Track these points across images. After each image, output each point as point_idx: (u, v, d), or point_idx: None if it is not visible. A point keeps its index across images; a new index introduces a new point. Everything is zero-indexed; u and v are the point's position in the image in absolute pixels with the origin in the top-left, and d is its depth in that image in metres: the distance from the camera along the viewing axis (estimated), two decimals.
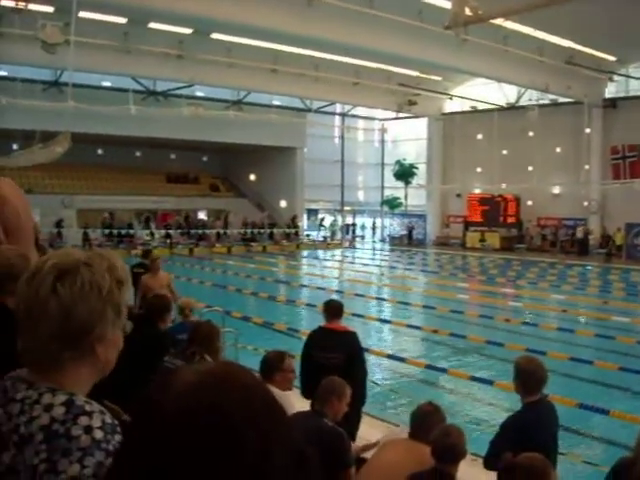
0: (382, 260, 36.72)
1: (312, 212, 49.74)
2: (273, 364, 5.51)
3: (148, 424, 0.93)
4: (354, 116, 49.20)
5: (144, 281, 11.53)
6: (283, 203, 44.86)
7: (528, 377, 5.00)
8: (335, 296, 22.32)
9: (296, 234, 43.43)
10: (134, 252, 30.08)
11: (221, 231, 40.49)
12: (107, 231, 36.84)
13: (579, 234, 36.63)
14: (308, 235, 45.58)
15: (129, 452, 0.96)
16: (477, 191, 41.85)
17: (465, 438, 4.34)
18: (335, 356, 6.74)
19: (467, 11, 15.11)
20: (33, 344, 1.57)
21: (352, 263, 34.97)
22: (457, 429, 4.39)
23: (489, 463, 4.99)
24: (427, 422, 4.62)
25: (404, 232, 45.73)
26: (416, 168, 46.48)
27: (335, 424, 4.86)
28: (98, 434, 1.47)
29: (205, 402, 0.91)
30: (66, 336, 1.55)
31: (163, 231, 39.12)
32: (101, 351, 1.60)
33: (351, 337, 7.29)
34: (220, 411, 0.90)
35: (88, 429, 1.47)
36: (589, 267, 32.07)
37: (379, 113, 48.40)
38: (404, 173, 46.47)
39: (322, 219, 48.12)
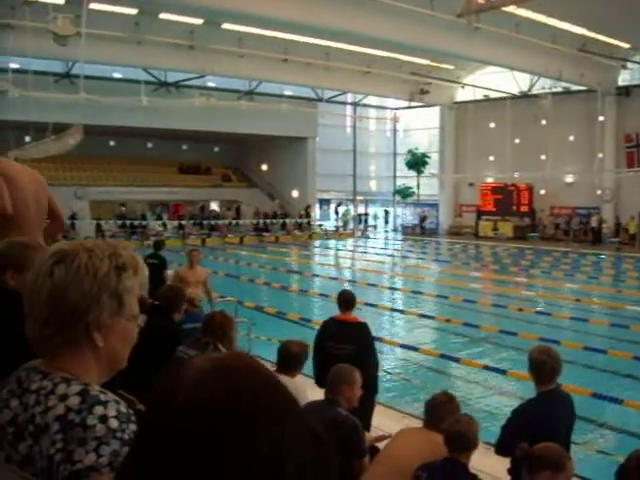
0: (394, 250, 36.69)
1: (324, 202, 49.69)
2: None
3: (164, 413, 0.94)
4: (366, 105, 49.08)
5: (179, 273, 11.22)
6: (295, 193, 44.83)
7: (540, 368, 5.00)
8: (347, 286, 22.37)
9: (308, 224, 43.41)
10: (147, 243, 30.15)
11: (233, 222, 40.53)
12: (120, 222, 36.98)
13: (593, 223, 36.43)
14: (320, 225, 45.55)
15: (145, 441, 0.96)
16: (490, 180, 41.68)
17: (478, 427, 4.34)
18: (346, 347, 6.79)
19: None
20: (32, 330, 1.58)
21: (364, 253, 34.92)
22: (469, 418, 4.39)
23: (500, 449, 5.00)
24: (441, 412, 4.63)
25: (416, 222, 45.65)
26: (428, 157, 46.37)
27: (350, 412, 4.88)
28: (113, 423, 1.48)
29: (220, 390, 0.91)
30: (58, 319, 1.55)
31: (176, 222, 39.23)
32: (99, 339, 1.58)
33: (362, 328, 7.35)
34: (235, 399, 0.90)
35: (103, 418, 1.48)
36: (602, 256, 31.90)
37: (391, 102, 48.24)
38: (416, 162, 46.36)
39: (338, 204, 47.88)
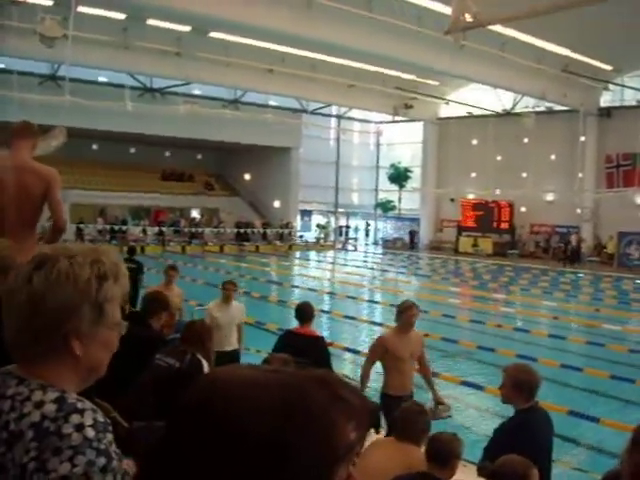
0: (375, 263, 36.72)
1: (306, 213, 49.72)
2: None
3: (189, 426, 0.90)
4: (350, 118, 49.23)
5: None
6: (277, 203, 44.83)
7: (521, 385, 5.00)
8: (327, 297, 22.35)
9: (289, 234, 43.38)
10: (125, 248, 30.01)
11: (214, 230, 40.46)
12: (100, 227, 36.78)
13: (573, 242, 36.69)
14: (301, 236, 45.55)
15: (167, 449, 0.92)
16: (471, 196, 41.91)
17: (462, 446, 4.32)
18: (301, 360, 6.76)
19: (467, 17, 15.11)
20: (9, 336, 1.55)
21: (345, 265, 34.95)
22: (455, 435, 4.37)
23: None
24: (412, 422, 4.60)
25: (398, 236, 45.71)
26: (411, 172, 46.57)
27: None
28: (90, 432, 1.45)
29: (249, 409, 0.87)
30: (36, 327, 1.51)
31: (156, 228, 39.08)
32: (77, 348, 1.55)
33: (318, 342, 7.39)
34: (279, 429, 0.86)
35: (79, 427, 1.44)
36: (581, 274, 32.13)
37: (375, 116, 48.42)
38: (398, 176, 46.54)
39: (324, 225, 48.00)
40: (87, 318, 1.55)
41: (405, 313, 7.39)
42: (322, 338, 7.56)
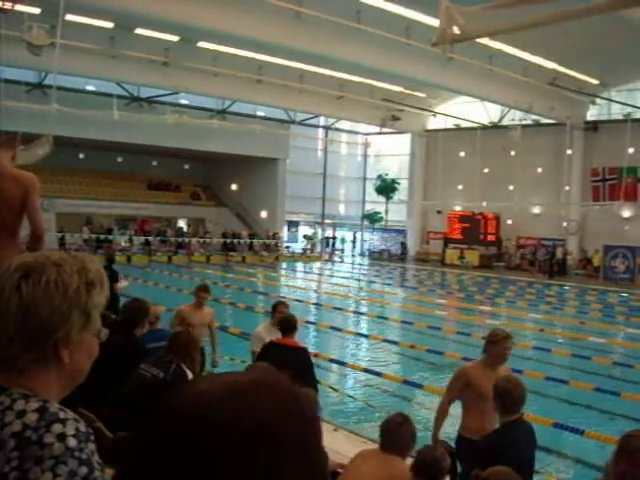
0: (361, 274, 36.75)
1: (293, 224, 49.76)
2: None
3: (159, 432, 0.89)
4: (337, 129, 49.40)
5: (183, 313, 9.51)
6: (264, 214, 44.84)
7: (507, 396, 5.01)
8: (313, 308, 22.32)
9: (276, 245, 43.37)
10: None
11: (201, 240, 40.41)
12: (86, 236, 36.65)
13: (559, 254, 36.85)
14: (288, 247, 45.55)
15: (138, 455, 0.91)
16: (457, 208, 42.05)
17: (447, 461, 4.31)
18: (283, 371, 6.72)
19: (455, 29, 15.18)
20: None
21: (331, 276, 34.95)
22: (442, 450, 4.36)
23: None
24: (397, 433, 4.58)
25: (385, 247, 45.78)
26: (398, 183, 46.74)
27: None
28: (72, 442, 1.43)
29: (222, 411, 0.86)
30: (26, 337, 1.50)
31: (142, 238, 38.98)
32: (66, 356, 1.54)
33: (301, 353, 7.40)
34: (229, 427, 0.85)
35: (61, 437, 1.43)
36: (567, 287, 32.26)
37: (362, 127, 48.59)
38: (386, 188, 46.68)
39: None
40: (76, 325, 1.55)
41: (498, 345, 6.33)
42: (305, 349, 7.56)
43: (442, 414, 6.48)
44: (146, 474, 0.87)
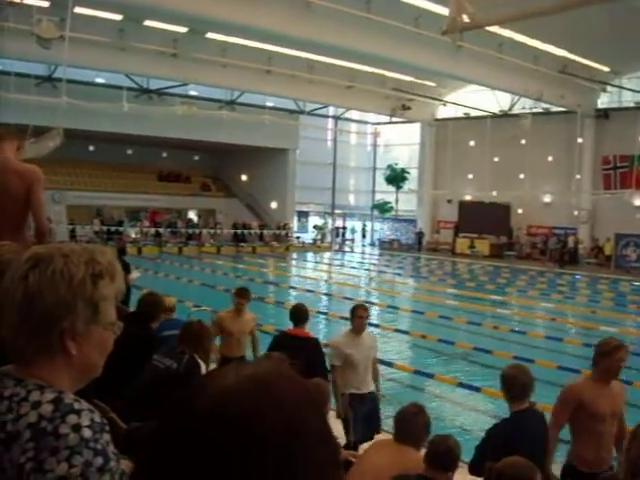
0: (372, 264, 36.74)
1: (303, 214, 49.76)
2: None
3: (175, 426, 0.89)
4: (347, 119, 49.29)
5: (221, 320, 8.82)
6: (274, 204, 44.83)
7: (511, 383, 4.99)
8: (324, 298, 22.35)
9: (286, 235, 43.39)
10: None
11: (211, 231, 40.48)
12: (97, 228, 36.78)
13: (570, 243, 36.70)
14: (298, 237, 45.57)
15: (154, 450, 0.91)
16: (468, 197, 41.90)
17: (460, 450, 4.30)
18: (295, 362, 6.75)
19: (464, 18, 15.12)
20: (7, 335, 1.54)
21: (341, 266, 34.96)
22: (455, 439, 4.34)
23: (474, 469, 4.95)
24: (411, 424, 4.57)
25: (394, 237, 45.68)
26: (408, 173, 46.60)
27: None
28: (87, 433, 1.44)
29: (233, 410, 0.85)
30: (31, 326, 1.52)
31: (153, 229, 39.08)
32: (73, 347, 1.55)
33: (313, 343, 7.43)
34: (246, 422, 0.84)
35: (76, 427, 1.44)
36: (578, 276, 32.17)
37: (372, 117, 48.48)
38: (395, 178, 46.56)
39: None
40: (82, 317, 1.55)
41: (612, 356, 5.27)
42: (316, 339, 7.57)
43: (554, 445, 5.49)
44: (166, 467, 0.87)
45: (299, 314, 7.45)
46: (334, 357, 7.48)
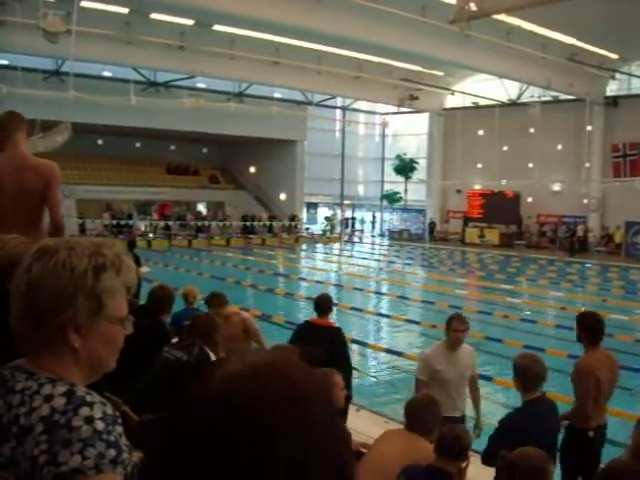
0: (381, 254, 36.73)
1: (312, 205, 49.75)
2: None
3: (182, 416, 0.89)
4: (355, 110, 49.16)
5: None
6: (283, 196, 44.82)
7: (525, 373, 4.99)
8: (334, 289, 22.37)
9: (295, 227, 43.41)
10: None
11: (220, 223, 40.53)
12: (106, 221, 36.88)
13: (580, 232, 36.59)
14: (307, 228, 45.58)
15: (163, 441, 0.91)
16: (477, 187, 41.81)
17: (471, 440, 4.29)
18: (311, 349, 6.78)
19: (472, 6, 15.08)
20: (14, 326, 1.56)
21: (351, 257, 34.96)
22: (464, 429, 4.34)
23: (487, 459, 4.96)
24: (423, 413, 4.58)
25: (404, 227, 45.59)
26: (416, 163, 46.49)
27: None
28: (99, 425, 1.45)
29: (243, 395, 0.85)
30: (33, 316, 1.52)
31: (162, 222, 39.17)
32: (75, 340, 1.55)
33: (336, 332, 7.45)
34: (256, 407, 0.83)
35: (89, 420, 1.45)
36: (588, 265, 32.07)
37: (380, 107, 48.34)
38: (404, 168, 46.47)
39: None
40: (84, 309, 1.55)
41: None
42: (339, 329, 7.60)
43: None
44: (176, 457, 0.86)
45: (323, 304, 7.49)
46: (420, 370, 6.81)
